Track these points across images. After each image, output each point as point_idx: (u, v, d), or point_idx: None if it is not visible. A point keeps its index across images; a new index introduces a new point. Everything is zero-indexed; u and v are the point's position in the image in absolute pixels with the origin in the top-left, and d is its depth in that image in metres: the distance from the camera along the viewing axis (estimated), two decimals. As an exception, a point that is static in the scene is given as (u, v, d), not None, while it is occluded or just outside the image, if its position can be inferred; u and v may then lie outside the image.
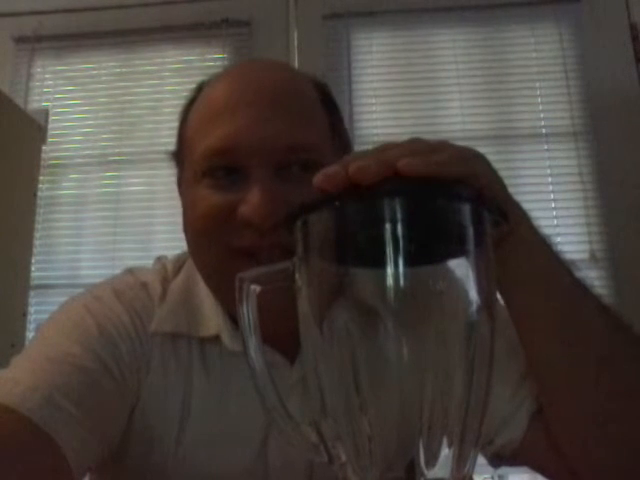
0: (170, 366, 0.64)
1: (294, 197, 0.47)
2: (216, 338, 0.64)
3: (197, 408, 0.64)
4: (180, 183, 0.70)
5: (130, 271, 0.71)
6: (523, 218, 0.53)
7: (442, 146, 0.44)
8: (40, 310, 1.96)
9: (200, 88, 0.68)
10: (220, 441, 0.64)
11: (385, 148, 0.42)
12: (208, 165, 0.60)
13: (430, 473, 0.38)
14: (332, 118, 0.66)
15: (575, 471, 0.57)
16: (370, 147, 0.44)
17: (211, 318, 0.65)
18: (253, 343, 0.42)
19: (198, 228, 0.61)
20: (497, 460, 0.64)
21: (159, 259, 0.74)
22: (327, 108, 0.65)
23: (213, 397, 0.64)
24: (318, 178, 0.39)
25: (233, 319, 0.64)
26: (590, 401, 0.54)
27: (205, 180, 0.61)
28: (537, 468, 0.63)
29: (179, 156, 0.68)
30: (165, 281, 0.69)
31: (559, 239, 1.88)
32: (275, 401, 0.42)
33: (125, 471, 0.65)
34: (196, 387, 0.64)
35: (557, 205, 1.96)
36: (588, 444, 0.55)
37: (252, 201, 0.57)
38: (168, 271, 0.71)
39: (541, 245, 0.54)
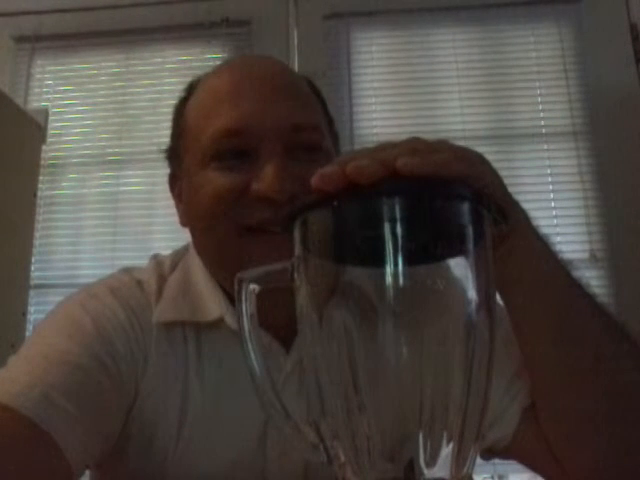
0: (168, 362, 0.64)
1: (304, 175, 0.48)
2: (216, 324, 0.65)
3: (195, 404, 0.64)
4: (173, 180, 0.71)
5: (125, 270, 0.72)
6: (523, 218, 0.53)
7: (441, 146, 0.44)
8: (40, 310, 1.95)
9: (192, 86, 0.70)
10: (219, 437, 0.64)
11: (383, 147, 0.42)
12: (217, 147, 0.62)
13: (430, 473, 0.38)
14: (324, 108, 0.69)
15: (565, 467, 0.57)
16: (368, 146, 0.44)
17: (212, 305, 0.66)
18: (252, 342, 0.42)
19: (207, 209, 0.62)
20: (488, 454, 0.64)
21: (155, 257, 0.74)
22: (319, 99, 0.69)
23: (211, 391, 0.64)
24: (315, 178, 0.39)
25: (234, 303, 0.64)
26: (585, 400, 0.54)
27: (213, 163, 0.62)
28: (526, 462, 0.63)
29: (176, 151, 0.69)
30: (161, 278, 0.69)
31: (559, 239, 1.87)
32: (274, 402, 0.42)
33: (124, 468, 0.65)
34: (194, 382, 0.64)
35: (557, 205, 1.96)
36: (582, 442, 0.56)
37: (267, 176, 0.59)
38: (165, 267, 0.71)
39: (540, 245, 0.54)
